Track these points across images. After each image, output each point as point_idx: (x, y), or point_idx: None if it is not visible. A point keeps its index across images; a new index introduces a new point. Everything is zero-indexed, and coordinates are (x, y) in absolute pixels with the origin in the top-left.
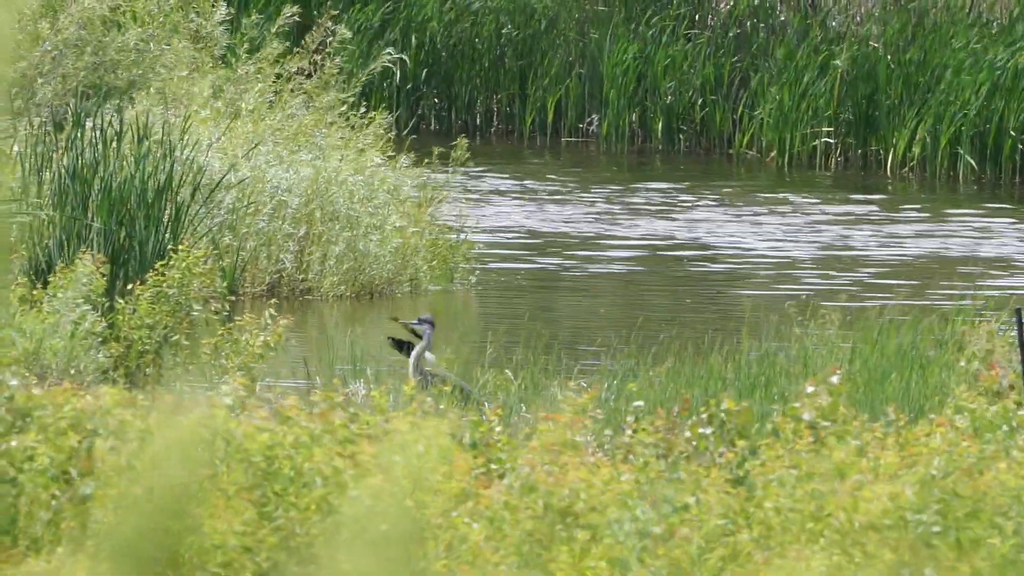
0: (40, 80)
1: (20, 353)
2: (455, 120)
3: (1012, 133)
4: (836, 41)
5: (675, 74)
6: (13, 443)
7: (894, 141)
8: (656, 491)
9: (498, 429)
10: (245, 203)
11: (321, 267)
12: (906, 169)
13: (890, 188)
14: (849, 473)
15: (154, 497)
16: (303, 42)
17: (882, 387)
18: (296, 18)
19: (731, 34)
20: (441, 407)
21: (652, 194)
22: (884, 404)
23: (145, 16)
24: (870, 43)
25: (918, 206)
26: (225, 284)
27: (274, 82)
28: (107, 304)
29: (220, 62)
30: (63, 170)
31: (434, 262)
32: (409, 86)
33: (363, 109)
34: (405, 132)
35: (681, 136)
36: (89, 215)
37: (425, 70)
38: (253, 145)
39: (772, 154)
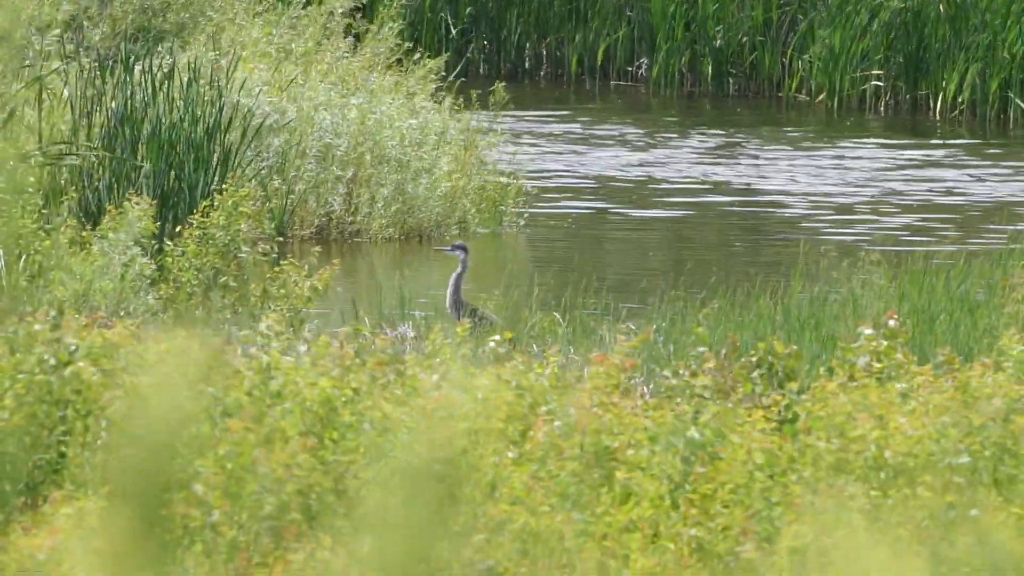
0: (88, 23)
1: (70, 294)
2: (503, 64)
3: None
4: None
5: (724, 17)
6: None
7: (944, 84)
8: (699, 431)
9: (548, 372)
10: (294, 145)
11: (370, 210)
12: (956, 112)
13: (940, 131)
14: (892, 415)
15: (150, 421)
16: None
17: (931, 330)
18: None
19: None
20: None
21: (702, 138)
22: (933, 347)
23: None
24: None
25: (968, 149)
26: (273, 226)
27: (324, 26)
28: (156, 246)
29: (271, 6)
30: (112, 113)
31: (482, 205)
32: (458, 30)
33: (412, 53)
34: (454, 76)
35: (731, 79)
36: (139, 158)
37: (473, 13)
38: (295, 83)
39: (821, 97)
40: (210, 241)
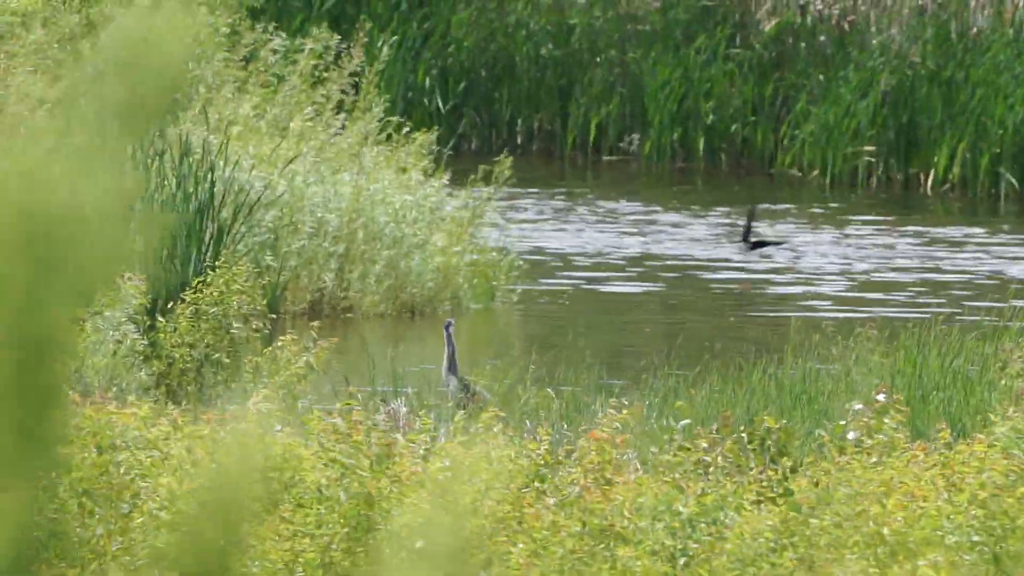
0: (80, 99)
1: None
2: (495, 139)
3: None
4: (875, 58)
5: (717, 93)
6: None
7: (935, 160)
8: (696, 507)
9: (543, 449)
10: (286, 222)
11: (362, 285)
12: (947, 188)
13: (931, 207)
14: (893, 492)
15: (207, 519)
16: (339, 63)
17: (924, 405)
18: (331, 40)
19: (772, 54)
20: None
21: (694, 213)
22: (926, 423)
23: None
24: (909, 59)
25: (959, 226)
26: (266, 302)
27: (314, 103)
28: (148, 323)
29: (263, 83)
30: None
31: (475, 281)
32: (449, 105)
33: (404, 129)
34: (446, 150)
35: (723, 155)
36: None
37: (464, 88)
38: (289, 160)
39: (814, 173)
40: (203, 317)
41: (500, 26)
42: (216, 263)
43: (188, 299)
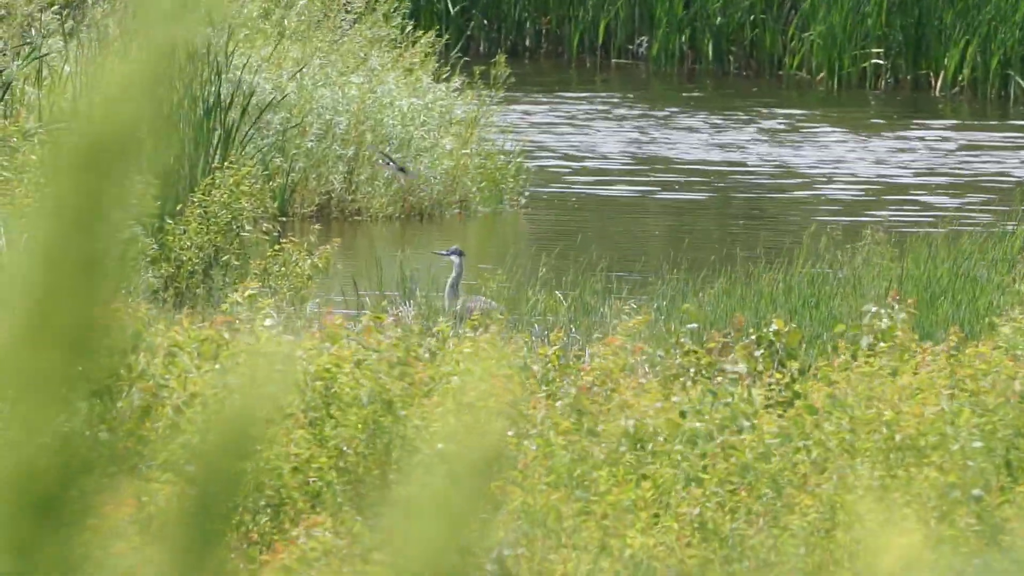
0: (90, 0)
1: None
2: (504, 42)
3: None
4: None
5: None
6: None
7: (944, 62)
8: (705, 412)
9: (552, 351)
10: (294, 124)
11: (370, 188)
12: (956, 90)
13: (940, 110)
14: (900, 396)
15: (231, 423)
16: None
17: (933, 308)
18: None
19: None
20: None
21: (702, 116)
22: (935, 326)
23: None
24: None
25: (969, 128)
26: (275, 205)
27: (322, 2)
28: (156, 225)
29: None
30: None
31: (483, 184)
32: (458, 8)
33: (410, 29)
34: (454, 53)
35: (731, 57)
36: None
37: None
38: (299, 67)
39: (822, 75)
40: (211, 220)
41: None
42: (225, 165)
43: (197, 201)
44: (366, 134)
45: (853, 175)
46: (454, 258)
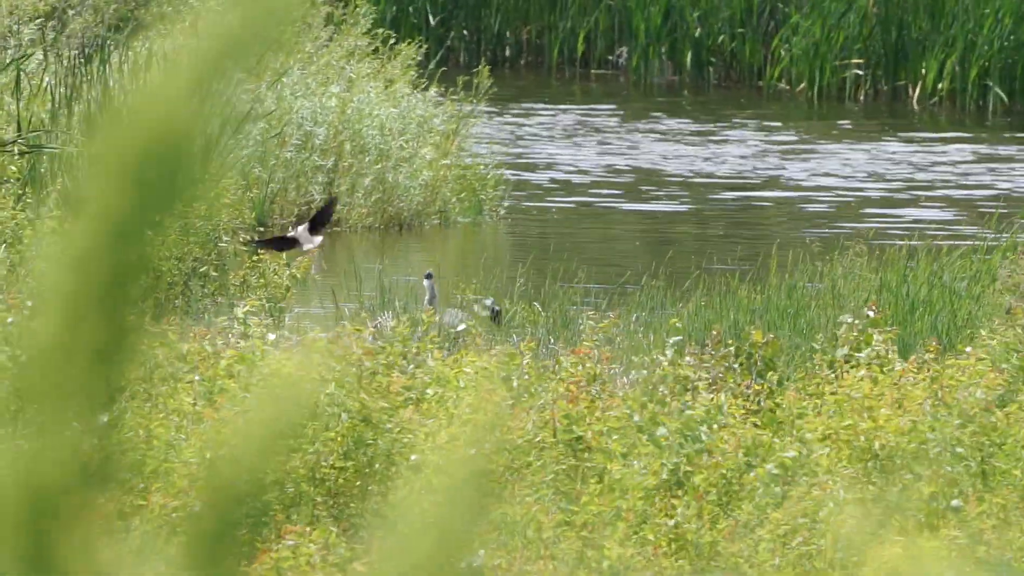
0: (71, 12)
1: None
2: (483, 53)
3: None
4: None
5: (703, 5)
6: None
7: (923, 73)
8: (678, 423)
9: (527, 362)
10: (273, 135)
11: (350, 199)
12: (935, 101)
13: (920, 120)
14: (878, 406)
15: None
16: None
17: (911, 320)
18: None
19: None
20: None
21: (682, 127)
22: (913, 337)
23: None
24: None
25: (948, 138)
26: (254, 215)
27: (302, 16)
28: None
29: None
30: (93, 102)
31: (463, 194)
32: (438, 19)
33: (392, 41)
34: (433, 64)
35: (710, 68)
36: None
37: (453, 2)
38: (278, 76)
39: (802, 86)
40: (191, 230)
41: None
42: (204, 175)
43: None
44: (345, 144)
45: (833, 186)
46: (425, 282)
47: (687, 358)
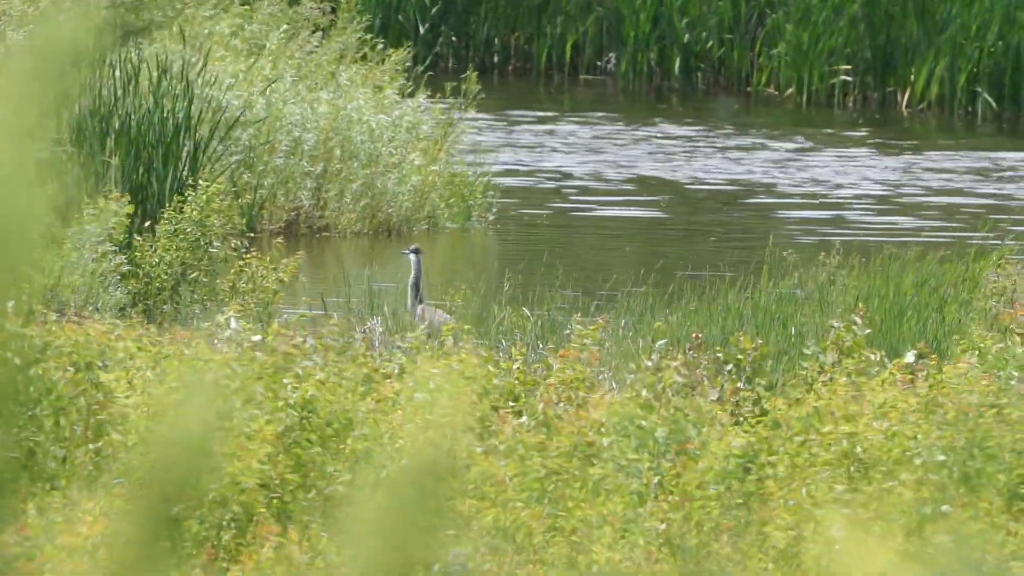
0: (61, 18)
1: (39, 289)
2: (472, 58)
3: None
4: None
5: (691, 12)
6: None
7: (912, 79)
8: (670, 427)
9: (516, 367)
10: (263, 141)
11: (338, 204)
12: (924, 107)
13: (908, 127)
14: (863, 412)
15: (175, 437)
16: None
17: (899, 325)
18: None
19: None
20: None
21: (670, 133)
22: (901, 343)
23: None
24: None
25: (936, 145)
26: (244, 221)
27: (291, 21)
28: (126, 241)
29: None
30: (82, 108)
31: (451, 200)
32: (427, 25)
33: (380, 46)
34: (422, 70)
35: (699, 74)
36: (108, 152)
37: (442, 7)
38: (269, 83)
39: (790, 92)
40: (180, 236)
41: None
42: (194, 182)
43: (167, 218)
44: (334, 150)
45: (820, 192)
46: (412, 256)
47: (674, 363)
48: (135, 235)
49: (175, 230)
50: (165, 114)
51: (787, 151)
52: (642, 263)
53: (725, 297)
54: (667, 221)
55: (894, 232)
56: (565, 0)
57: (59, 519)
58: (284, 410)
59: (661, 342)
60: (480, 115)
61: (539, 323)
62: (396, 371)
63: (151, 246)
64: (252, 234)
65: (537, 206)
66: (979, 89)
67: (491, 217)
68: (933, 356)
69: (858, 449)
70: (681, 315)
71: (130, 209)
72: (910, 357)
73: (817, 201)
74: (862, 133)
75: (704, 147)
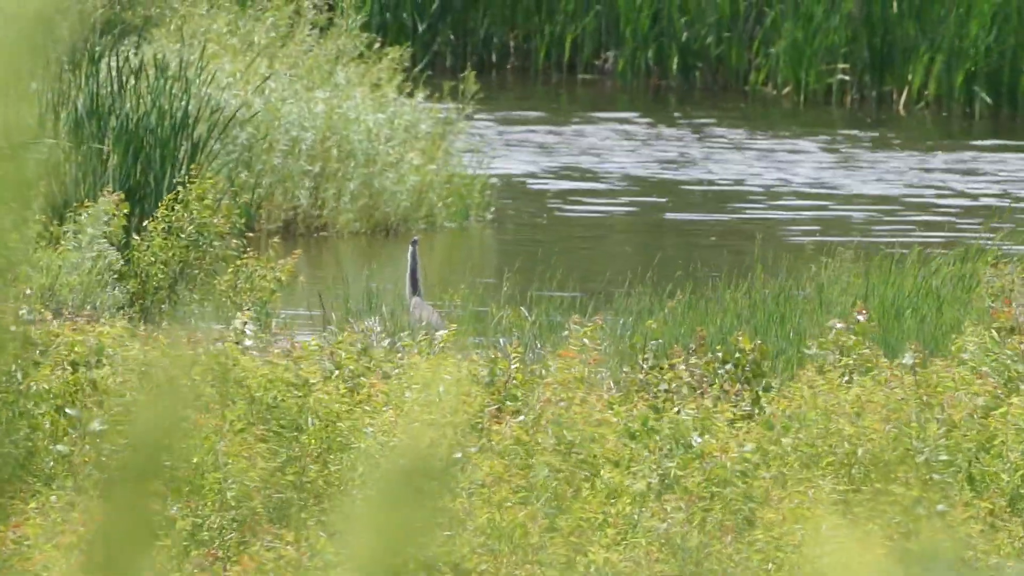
0: (57, 16)
1: (36, 289)
2: (470, 57)
3: None
4: None
5: (690, 10)
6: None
7: (909, 78)
8: (669, 428)
9: (514, 366)
10: (260, 139)
11: (336, 204)
12: (921, 105)
13: (905, 126)
14: (865, 411)
15: (141, 427)
16: None
17: (898, 323)
18: None
19: None
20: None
21: (668, 132)
22: (900, 341)
23: None
24: None
25: (933, 144)
26: (241, 220)
27: (288, 17)
28: (124, 240)
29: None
30: (80, 107)
31: (449, 199)
32: (425, 24)
33: (377, 45)
34: (419, 68)
35: (697, 73)
36: (105, 152)
37: (440, 5)
38: (264, 79)
39: (787, 91)
40: (177, 235)
41: None
42: (190, 180)
43: (162, 216)
44: (332, 150)
45: (818, 191)
46: (409, 247)
47: (675, 363)
48: (133, 234)
49: (170, 228)
50: (163, 113)
51: (784, 150)
52: (640, 262)
53: (723, 296)
54: (665, 220)
55: (892, 231)
56: None
57: (58, 518)
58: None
59: (656, 341)
60: (478, 114)
61: (537, 323)
62: (393, 371)
63: (147, 245)
64: (250, 233)
65: (535, 205)
66: (976, 88)
67: (489, 216)
68: (924, 354)
69: (860, 451)
70: (679, 315)
71: (126, 207)
72: (909, 359)
73: (814, 200)
74: (859, 132)
75: (702, 146)
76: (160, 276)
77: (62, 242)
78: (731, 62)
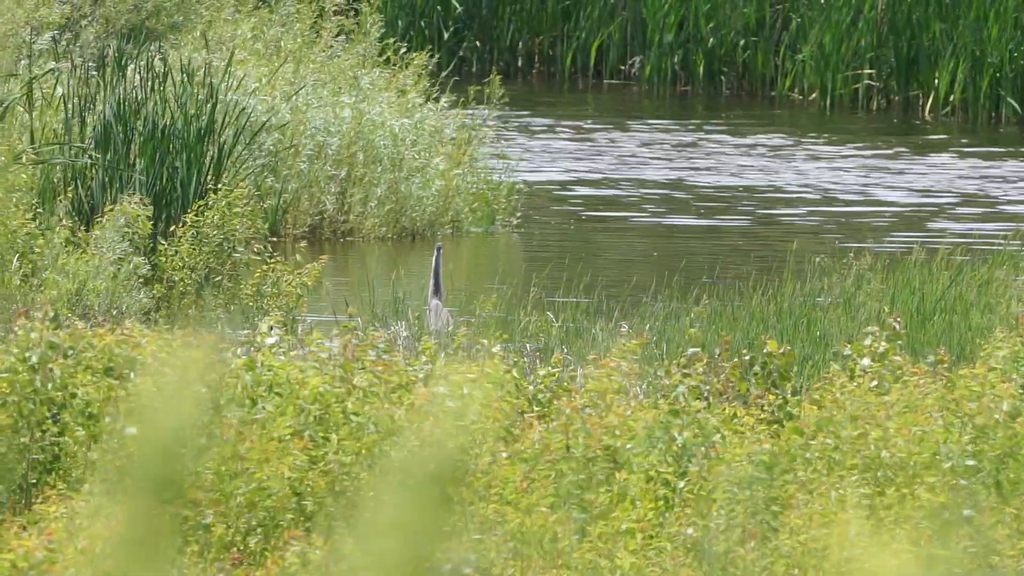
0: (83, 22)
1: (63, 294)
2: (496, 63)
3: None
4: None
5: (716, 16)
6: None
7: (935, 83)
8: (694, 431)
9: (543, 373)
10: (287, 145)
11: (363, 209)
12: (947, 111)
13: (932, 131)
14: (892, 416)
15: (157, 433)
16: None
17: (924, 330)
18: None
19: None
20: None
21: (694, 137)
22: (926, 346)
23: None
24: None
25: (960, 149)
26: (267, 225)
27: (313, 23)
28: (150, 246)
29: (262, 3)
30: (106, 113)
31: (475, 205)
32: (451, 29)
33: (404, 51)
34: (445, 74)
35: (723, 79)
36: (132, 157)
37: (466, 12)
38: (296, 91)
39: (814, 96)
40: (204, 240)
41: None
42: (217, 186)
43: (189, 222)
44: (358, 155)
45: (845, 196)
46: (435, 251)
47: (699, 368)
48: (159, 240)
49: (198, 234)
50: (189, 118)
51: (810, 155)
52: (667, 267)
53: (750, 301)
54: (691, 226)
55: (920, 236)
56: (590, 4)
57: (84, 522)
58: (310, 414)
59: (693, 350)
60: (504, 119)
61: (564, 328)
62: (421, 376)
63: (174, 250)
64: (276, 238)
65: (561, 210)
66: (1002, 93)
67: (515, 221)
68: (944, 356)
69: (884, 454)
70: (705, 320)
71: (151, 212)
72: (932, 362)
73: (840, 206)
74: (885, 137)
75: (728, 151)
76: (187, 281)
77: (89, 247)
78: (757, 68)
